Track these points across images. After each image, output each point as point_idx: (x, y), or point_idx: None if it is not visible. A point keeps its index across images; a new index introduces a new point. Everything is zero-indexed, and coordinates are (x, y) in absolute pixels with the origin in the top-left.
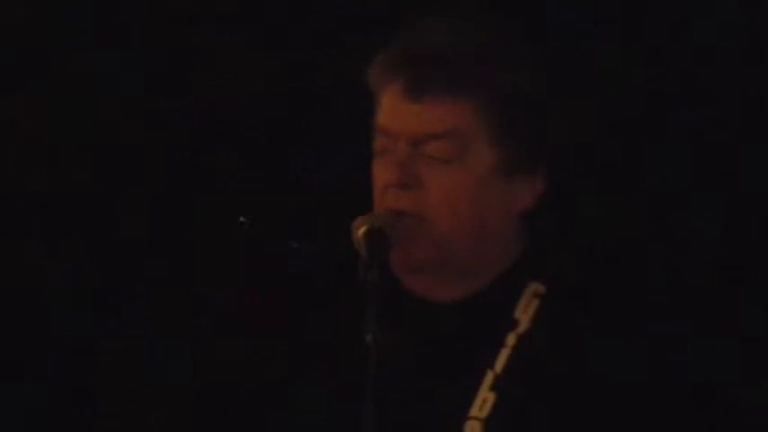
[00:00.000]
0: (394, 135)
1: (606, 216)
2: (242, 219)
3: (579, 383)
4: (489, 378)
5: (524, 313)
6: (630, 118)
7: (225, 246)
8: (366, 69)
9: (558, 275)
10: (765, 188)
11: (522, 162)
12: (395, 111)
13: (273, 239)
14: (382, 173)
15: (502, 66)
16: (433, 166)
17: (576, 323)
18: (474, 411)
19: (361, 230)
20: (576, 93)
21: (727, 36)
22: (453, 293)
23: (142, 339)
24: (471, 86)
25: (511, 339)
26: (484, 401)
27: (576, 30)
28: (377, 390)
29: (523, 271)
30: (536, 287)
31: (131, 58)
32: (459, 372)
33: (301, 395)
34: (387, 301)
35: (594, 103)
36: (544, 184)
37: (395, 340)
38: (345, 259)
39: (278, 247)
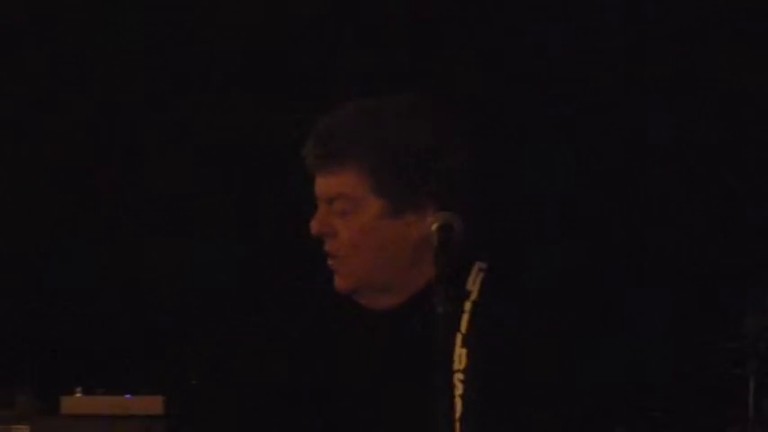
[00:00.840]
0: (318, 199)
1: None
2: None
3: (511, 334)
4: (459, 338)
5: (474, 285)
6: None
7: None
8: None
9: (494, 253)
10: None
11: (407, 204)
12: (315, 181)
13: None
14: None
15: (370, 138)
16: (339, 219)
17: (504, 289)
18: (456, 365)
19: (435, 226)
20: (447, 137)
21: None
22: (395, 300)
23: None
24: (348, 158)
25: (467, 306)
26: (460, 356)
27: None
28: (386, 356)
29: (465, 257)
30: (480, 264)
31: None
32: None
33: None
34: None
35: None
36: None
37: (380, 335)
38: None
39: None
